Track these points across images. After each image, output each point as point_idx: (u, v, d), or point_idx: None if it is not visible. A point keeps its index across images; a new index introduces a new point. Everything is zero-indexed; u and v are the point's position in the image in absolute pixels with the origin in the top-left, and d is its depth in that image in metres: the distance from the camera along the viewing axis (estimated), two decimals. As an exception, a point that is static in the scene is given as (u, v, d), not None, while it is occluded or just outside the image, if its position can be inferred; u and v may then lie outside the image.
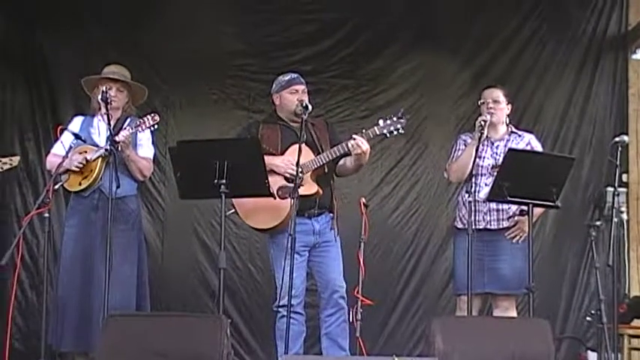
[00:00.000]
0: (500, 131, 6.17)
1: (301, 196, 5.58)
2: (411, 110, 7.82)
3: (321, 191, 5.79)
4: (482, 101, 6.15)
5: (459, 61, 7.93)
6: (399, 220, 7.85)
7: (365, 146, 5.68)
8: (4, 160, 6.26)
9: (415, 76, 7.92)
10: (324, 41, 7.92)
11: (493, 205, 6.00)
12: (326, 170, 5.83)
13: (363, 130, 5.75)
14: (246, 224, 6.00)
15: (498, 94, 6.15)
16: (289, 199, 5.60)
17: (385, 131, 5.75)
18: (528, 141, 6.16)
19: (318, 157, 5.77)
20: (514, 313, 6.03)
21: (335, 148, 5.77)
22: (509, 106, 6.20)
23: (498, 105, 6.12)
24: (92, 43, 7.67)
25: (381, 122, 5.76)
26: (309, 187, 5.73)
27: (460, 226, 6.11)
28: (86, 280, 5.90)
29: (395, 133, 5.77)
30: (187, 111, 7.82)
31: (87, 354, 5.97)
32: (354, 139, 5.69)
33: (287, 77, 6.04)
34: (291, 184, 5.63)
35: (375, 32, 7.95)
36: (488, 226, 6.02)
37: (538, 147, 6.19)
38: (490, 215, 6.03)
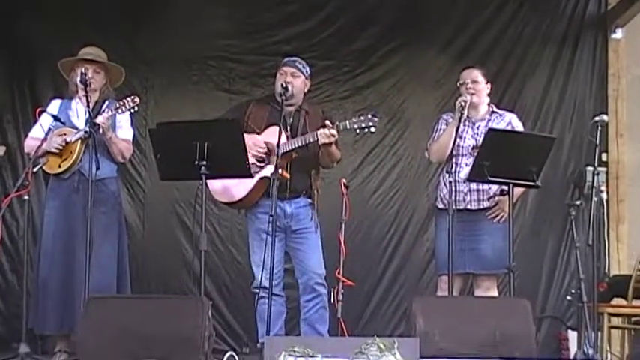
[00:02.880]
0: (481, 111, 6.17)
1: (263, 177, 5.69)
2: (392, 90, 7.86)
3: (286, 175, 5.77)
4: (461, 82, 6.15)
5: (440, 42, 7.93)
6: (380, 201, 7.85)
7: (331, 138, 5.69)
8: None
9: (396, 56, 7.91)
10: (305, 22, 7.90)
11: (473, 186, 6.01)
12: (293, 156, 5.82)
13: (336, 123, 5.76)
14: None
15: (477, 74, 6.15)
16: (253, 179, 5.74)
17: (356, 127, 5.75)
18: (509, 121, 6.16)
19: (287, 142, 5.77)
20: (495, 293, 6.04)
21: (305, 136, 5.80)
22: (489, 85, 6.20)
23: (477, 85, 6.11)
24: (70, 25, 7.60)
25: (354, 118, 5.79)
26: (270, 170, 5.72)
27: (441, 206, 6.12)
28: (67, 263, 5.88)
29: (366, 130, 5.78)
30: (167, 92, 7.78)
31: (68, 336, 5.97)
32: (324, 127, 5.71)
33: (285, 59, 6.09)
34: (260, 164, 5.79)
35: (356, 13, 7.93)
36: (469, 207, 6.03)
37: (519, 127, 6.20)
38: (470, 196, 6.04)
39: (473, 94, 6.05)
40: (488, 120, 6.13)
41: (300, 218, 5.92)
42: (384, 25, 7.95)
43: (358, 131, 5.81)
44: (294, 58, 6.09)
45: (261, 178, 5.73)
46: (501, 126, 6.07)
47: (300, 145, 5.78)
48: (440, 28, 7.96)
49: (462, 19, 7.94)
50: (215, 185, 5.89)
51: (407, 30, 7.93)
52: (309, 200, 5.95)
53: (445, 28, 7.95)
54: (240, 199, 5.89)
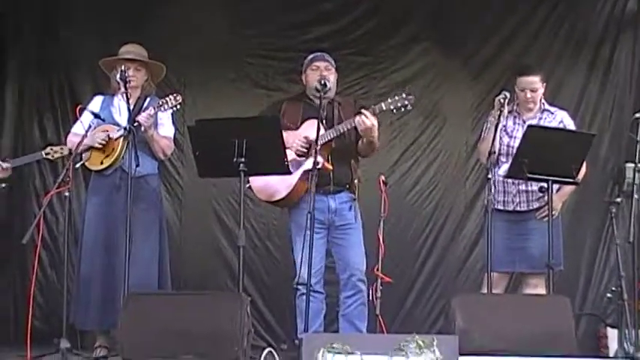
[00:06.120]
0: (534, 110, 6.13)
1: (307, 170, 5.65)
2: (429, 87, 7.82)
3: (329, 167, 5.78)
4: (520, 88, 6.08)
5: (476, 38, 7.87)
6: (417, 198, 7.82)
7: (369, 122, 5.69)
8: (55, 148, 6.51)
9: (433, 53, 7.86)
10: (341, 19, 7.87)
11: (522, 187, 5.99)
12: (333, 146, 5.83)
13: (371, 106, 5.76)
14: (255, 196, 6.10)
15: (535, 80, 6.08)
16: (295, 174, 5.75)
17: (392, 107, 5.77)
18: (561, 119, 6.11)
19: (325, 132, 5.77)
20: (543, 291, 5.98)
21: (341, 125, 5.80)
22: (544, 85, 6.15)
23: (536, 93, 6.08)
24: (108, 22, 7.67)
25: (389, 99, 5.79)
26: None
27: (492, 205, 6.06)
28: (109, 259, 5.94)
29: (403, 109, 5.79)
30: (205, 89, 7.80)
31: (108, 332, 6.03)
32: (360, 114, 5.70)
33: (311, 56, 6.09)
34: (301, 159, 5.77)
35: (393, 10, 7.89)
36: (518, 208, 6.02)
37: (571, 125, 6.14)
38: (519, 197, 6.02)
39: (532, 102, 6.05)
40: (540, 118, 6.09)
41: (344, 213, 5.91)
42: (419, 22, 7.92)
43: (395, 111, 5.81)
44: (322, 53, 6.12)
45: (305, 172, 5.71)
46: (553, 124, 6.03)
47: (338, 133, 5.78)
48: (476, 25, 7.89)
49: (500, 15, 7.87)
50: (257, 183, 5.90)
51: (443, 26, 7.88)
52: (352, 195, 5.93)
53: (482, 25, 7.87)
54: (283, 198, 5.89)
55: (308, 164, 5.71)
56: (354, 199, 5.94)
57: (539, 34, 7.83)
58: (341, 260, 5.94)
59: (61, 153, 6.46)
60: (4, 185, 6.67)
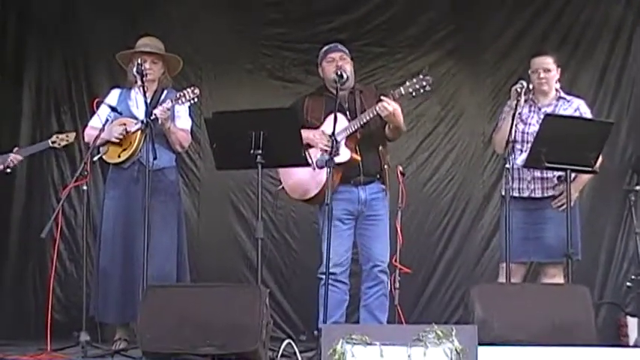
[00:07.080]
0: (549, 97, 6.09)
1: (337, 164, 5.61)
2: (446, 77, 7.80)
3: (357, 158, 5.77)
4: (532, 70, 6.05)
5: (494, 27, 7.85)
6: (435, 188, 7.81)
7: (391, 107, 5.67)
8: (61, 136, 6.50)
9: (450, 42, 7.84)
10: (358, 9, 7.87)
11: (537, 174, 5.95)
12: (359, 136, 5.81)
13: (391, 92, 5.75)
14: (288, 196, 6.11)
15: (549, 61, 6.04)
16: (324, 171, 5.67)
17: (411, 90, 5.74)
18: (577, 107, 6.06)
19: (349, 124, 5.76)
20: (561, 280, 5.93)
21: (364, 114, 5.78)
22: (559, 70, 6.11)
23: (549, 74, 6.03)
24: (125, 14, 7.68)
25: (407, 82, 5.77)
26: (342, 155, 5.72)
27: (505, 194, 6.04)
28: (127, 252, 5.95)
29: (422, 90, 5.76)
30: (221, 81, 7.81)
31: (128, 324, 6.05)
32: (381, 100, 5.69)
33: (325, 47, 6.07)
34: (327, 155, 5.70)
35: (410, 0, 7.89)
36: (533, 195, 5.98)
37: (587, 113, 6.08)
38: (534, 184, 5.99)
39: (545, 83, 5.99)
40: (555, 106, 6.05)
41: (373, 204, 5.88)
42: (437, 12, 7.89)
43: (414, 93, 5.77)
44: (335, 44, 6.09)
45: (336, 165, 5.67)
46: (568, 112, 5.99)
47: (361, 124, 5.76)
48: (494, 14, 7.87)
49: (513, 8, 7.83)
50: (288, 183, 5.92)
51: (460, 16, 7.87)
52: (383, 186, 5.91)
53: (499, 13, 7.86)
54: (315, 195, 5.87)
55: (337, 159, 5.64)
56: (385, 190, 5.92)
57: (557, 22, 7.79)
58: (365, 251, 5.93)
59: (67, 140, 6.46)
60: (9, 171, 6.64)
